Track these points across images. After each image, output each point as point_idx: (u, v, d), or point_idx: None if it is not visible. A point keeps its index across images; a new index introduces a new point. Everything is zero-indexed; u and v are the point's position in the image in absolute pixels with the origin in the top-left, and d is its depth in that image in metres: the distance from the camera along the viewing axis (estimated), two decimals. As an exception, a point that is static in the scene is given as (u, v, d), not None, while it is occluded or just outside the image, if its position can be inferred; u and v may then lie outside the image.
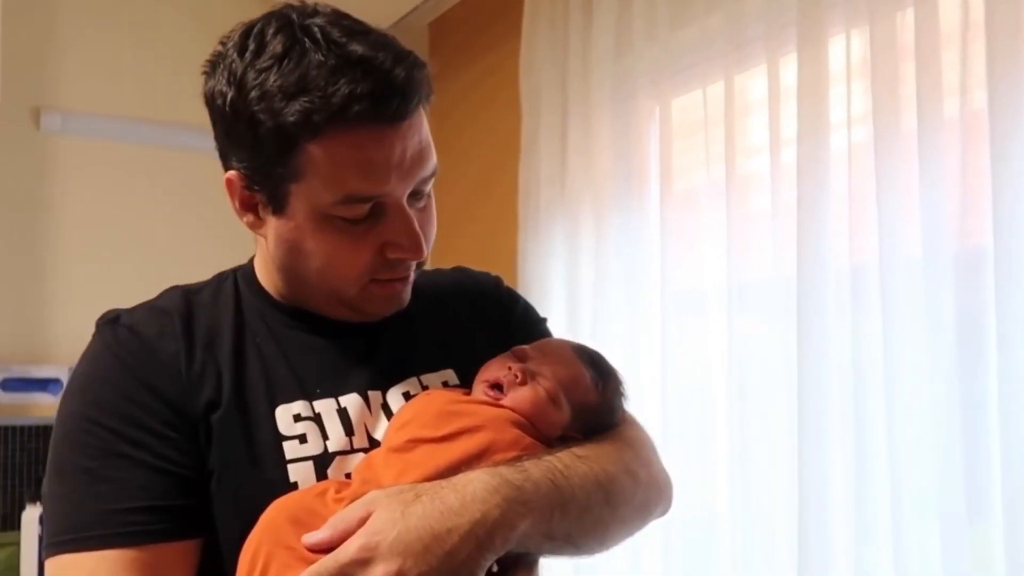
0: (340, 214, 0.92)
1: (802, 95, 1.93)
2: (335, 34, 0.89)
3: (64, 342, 2.91)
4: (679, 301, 2.27)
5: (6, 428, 2.77)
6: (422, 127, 0.94)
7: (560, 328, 2.45)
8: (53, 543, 0.89)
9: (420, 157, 0.94)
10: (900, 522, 1.72)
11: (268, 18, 0.92)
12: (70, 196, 3.00)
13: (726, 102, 2.12)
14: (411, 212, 0.95)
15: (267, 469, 0.93)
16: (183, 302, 1.02)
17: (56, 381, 2.83)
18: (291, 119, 0.87)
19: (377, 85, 0.87)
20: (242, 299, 1.05)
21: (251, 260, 1.09)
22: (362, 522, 0.81)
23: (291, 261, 0.98)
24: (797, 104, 1.94)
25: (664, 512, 1.07)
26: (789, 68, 1.99)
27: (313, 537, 0.82)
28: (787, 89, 1.99)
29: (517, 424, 0.96)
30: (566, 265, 2.55)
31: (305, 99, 0.86)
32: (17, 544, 2.53)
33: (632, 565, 2.31)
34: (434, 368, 1.05)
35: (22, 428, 2.82)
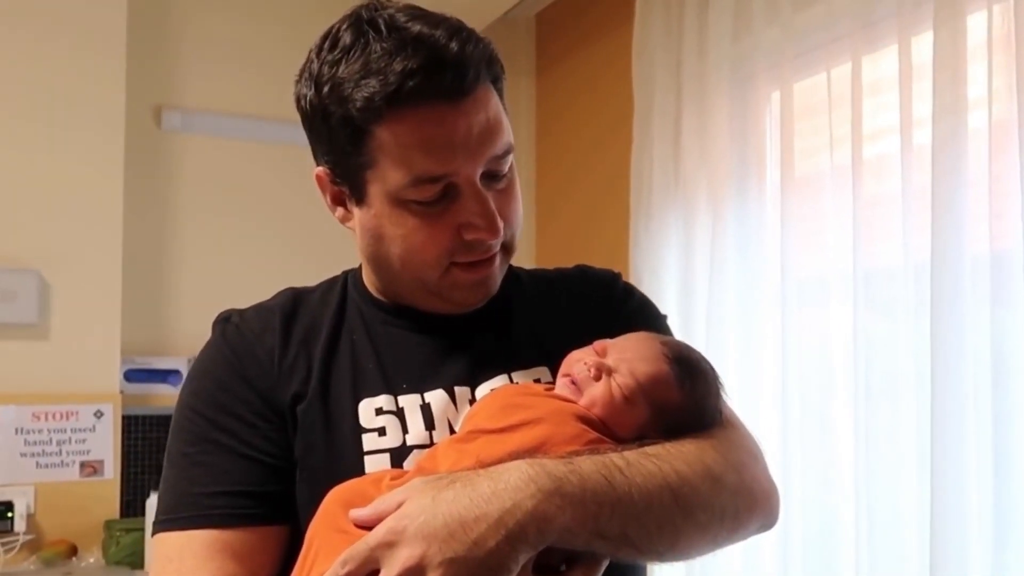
0: (412, 197, 0.93)
1: (938, 72, 1.83)
2: (400, 20, 0.91)
3: (184, 335, 2.99)
4: (800, 292, 2.18)
5: (129, 418, 2.86)
6: (488, 104, 0.94)
7: (673, 322, 2.38)
8: (156, 522, 0.95)
9: (488, 134, 0.93)
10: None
11: (344, 18, 0.95)
12: (191, 193, 3.09)
13: (852, 83, 2.03)
14: (486, 192, 0.95)
15: (345, 460, 0.94)
16: (291, 301, 1.06)
17: (176, 372, 2.91)
18: (357, 106, 0.90)
19: (429, 60, 0.89)
20: (347, 298, 1.07)
21: (361, 263, 1.11)
22: (400, 506, 0.80)
23: (376, 250, 1.00)
24: (932, 82, 1.84)
25: (766, 525, 0.98)
26: (923, 46, 1.89)
27: (357, 513, 0.83)
28: (920, 67, 1.89)
29: (583, 419, 0.92)
30: (680, 255, 2.50)
31: (367, 84, 0.89)
32: (142, 529, 2.61)
33: (749, 573, 2.23)
34: (528, 365, 1.02)
35: (144, 418, 2.92)
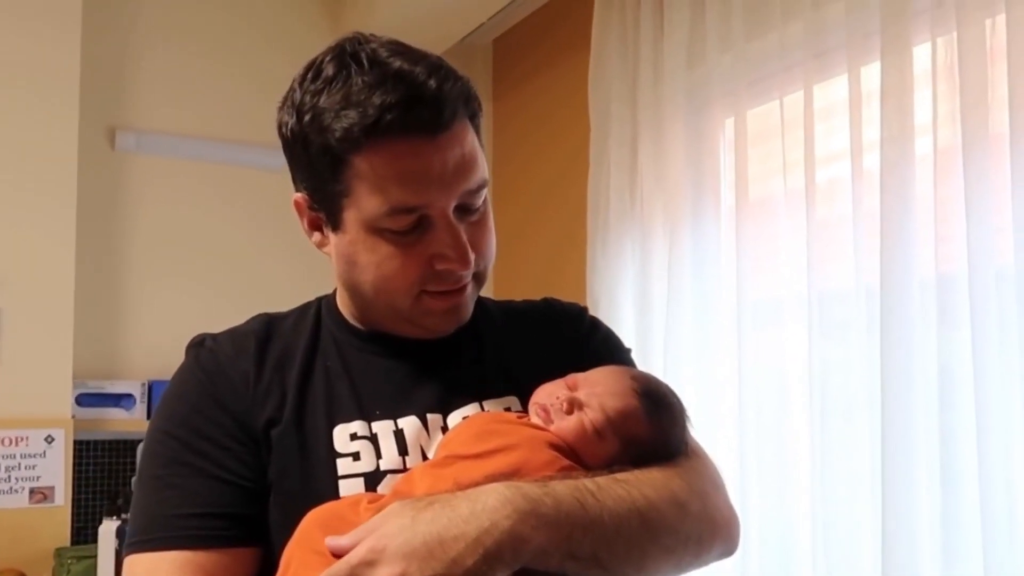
0: (387, 226, 0.96)
1: (885, 100, 1.89)
2: (382, 55, 0.95)
3: (138, 358, 2.95)
4: (755, 315, 2.22)
5: (81, 443, 2.81)
6: (464, 140, 0.97)
7: (630, 344, 2.38)
8: (128, 543, 0.97)
9: (463, 169, 0.96)
10: (990, 542, 1.65)
11: (329, 50, 0.99)
12: (144, 215, 3.06)
13: (804, 108, 2.08)
14: (458, 224, 0.98)
15: (319, 484, 0.96)
16: (264, 327, 1.08)
17: (129, 396, 2.86)
18: (336, 135, 0.93)
19: (407, 95, 0.92)
20: (321, 324, 1.10)
21: (336, 289, 1.14)
22: (376, 528, 0.83)
23: (350, 277, 1.03)
24: (880, 109, 1.89)
25: (727, 552, 1.02)
26: (871, 75, 1.94)
27: (334, 541, 0.84)
28: (869, 94, 1.95)
29: (555, 447, 0.95)
30: (636, 280, 2.52)
31: (347, 115, 0.92)
32: (94, 557, 2.56)
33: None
34: (498, 395, 1.05)
35: (97, 442, 2.87)
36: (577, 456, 0.96)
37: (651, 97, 2.50)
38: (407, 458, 0.98)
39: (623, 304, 2.55)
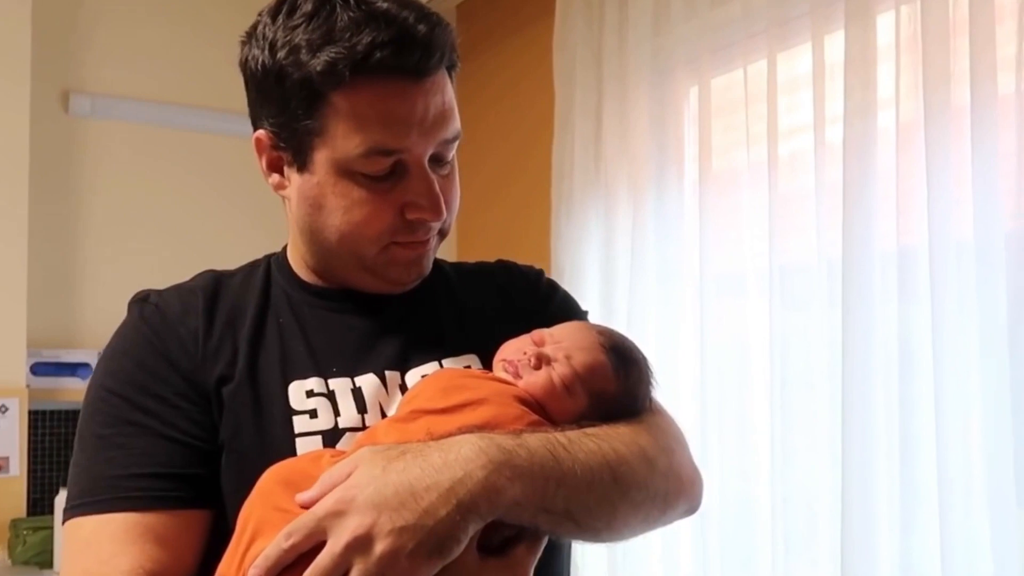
0: (362, 169, 0.94)
1: (849, 72, 1.87)
2: None
3: (93, 326, 2.90)
4: (718, 286, 2.22)
5: (36, 413, 2.77)
6: (445, 88, 0.96)
7: (594, 314, 2.39)
8: (68, 507, 0.92)
9: (442, 117, 0.96)
10: (947, 511, 1.67)
11: None
12: (99, 180, 2.99)
13: (768, 80, 2.06)
14: (432, 175, 0.97)
15: (276, 442, 0.93)
16: (212, 283, 1.05)
17: (86, 366, 2.82)
18: (317, 69, 0.90)
19: (399, 36, 0.90)
20: (271, 280, 1.07)
21: (285, 246, 1.11)
22: (348, 476, 0.80)
23: (313, 220, 0.99)
24: (844, 81, 1.88)
25: (691, 509, 1.02)
26: (835, 45, 1.93)
27: (305, 495, 0.81)
28: (833, 66, 1.94)
29: (523, 401, 0.94)
30: (600, 248, 2.51)
31: (331, 50, 0.90)
32: (50, 528, 2.53)
33: (668, 559, 2.27)
34: (457, 352, 1.04)
35: (52, 412, 2.82)
36: (544, 412, 0.95)
37: (616, 64, 2.47)
38: (366, 416, 0.96)
39: (587, 272, 2.54)
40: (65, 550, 0.92)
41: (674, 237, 2.34)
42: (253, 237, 3.18)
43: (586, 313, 1.17)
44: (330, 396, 0.97)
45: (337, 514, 0.77)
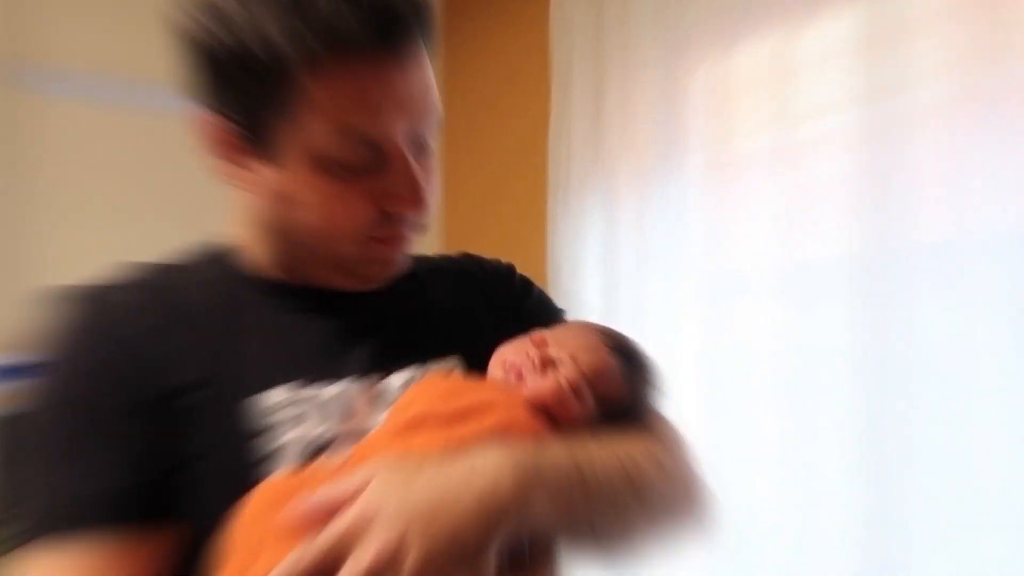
0: (338, 158, 0.86)
1: (871, 50, 1.78)
2: None
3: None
4: (725, 282, 2.13)
5: None
6: (426, 69, 0.89)
7: (594, 313, 2.33)
8: (25, 531, 0.84)
9: (423, 99, 0.89)
10: (971, 519, 1.62)
11: None
12: (46, 160, 2.88)
13: (782, 60, 1.97)
14: (414, 163, 0.90)
15: (251, 453, 0.87)
16: (158, 278, 0.96)
17: (13, 369, 2.68)
18: (287, 48, 0.81)
19: (376, 11, 0.82)
20: (228, 275, 0.98)
21: (230, 234, 1.02)
22: (359, 492, 0.77)
23: (284, 217, 0.92)
24: (865, 60, 1.79)
25: (700, 521, 0.99)
26: (856, 21, 1.83)
27: (303, 507, 0.76)
28: (854, 44, 1.83)
29: (528, 407, 0.92)
30: (601, 243, 2.41)
31: (303, 27, 0.81)
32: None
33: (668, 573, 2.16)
34: (438, 354, 1.00)
35: None
36: (549, 416, 0.92)
37: (618, 41, 2.37)
38: (348, 424, 0.91)
39: (587, 270, 2.45)
40: None
41: (679, 230, 2.25)
42: (204, 219, 3.01)
43: (561, 311, 1.14)
44: (308, 402, 0.91)
45: (360, 529, 0.74)
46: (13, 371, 2.62)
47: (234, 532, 0.80)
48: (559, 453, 0.83)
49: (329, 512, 0.76)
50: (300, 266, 0.97)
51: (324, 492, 0.77)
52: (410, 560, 0.72)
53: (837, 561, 1.84)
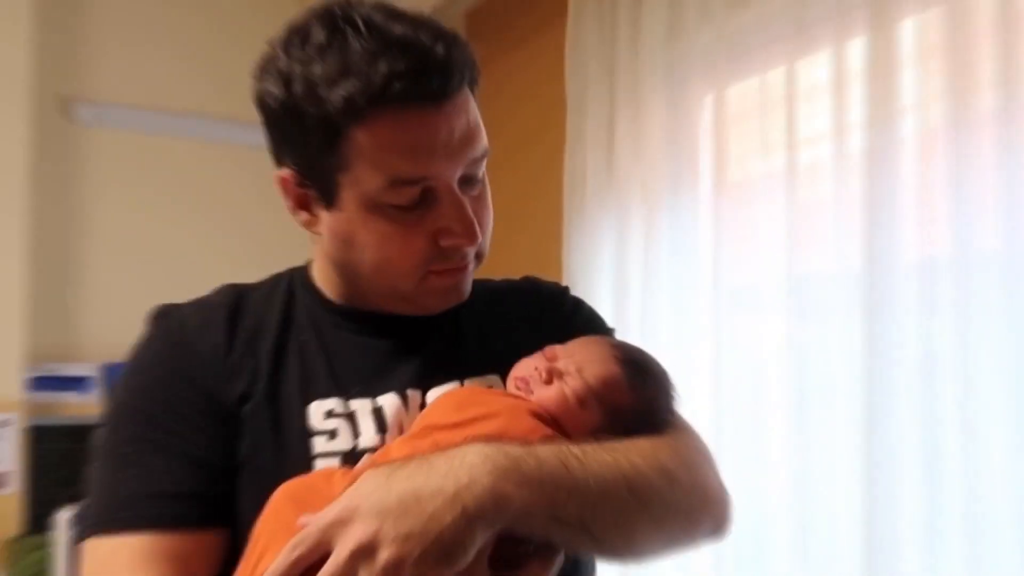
0: (389, 201, 0.91)
1: (870, 79, 1.82)
2: (377, 19, 0.90)
3: (96, 340, 2.86)
4: (734, 299, 2.16)
5: (38, 428, 2.71)
6: (468, 107, 0.95)
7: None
8: (84, 526, 0.91)
9: (468, 138, 0.94)
10: (976, 533, 1.62)
11: (312, 14, 0.93)
12: (102, 190, 2.96)
13: (786, 87, 2.02)
14: (463, 198, 0.94)
15: (293, 462, 0.92)
16: (234, 298, 1.03)
17: (87, 380, 2.77)
18: (335, 106, 0.88)
19: (416, 63, 0.88)
20: (294, 298, 1.05)
21: (308, 261, 1.09)
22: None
23: (346, 256, 0.98)
24: (865, 88, 1.83)
25: (718, 529, 0.98)
26: (856, 52, 1.88)
27: (308, 518, 0.80)
28: (854, 72, 1.88)
29: (537, 416, 0.93)
30: (613, 261, 2.46)
31: (347, 84, 0.87)
32: (48, 547, 2.47)
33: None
34: (479, 372, 1.02)
35: (53, 428, 2.77)
36: (560, 427, 0.93)
37: (629, 72, 2.42)
38: (386, 436, 0.95)
39: (599, 286, 2.49)
40: (83, 570, 0.90)
41: (689, 248, 2.29)
42: (256, 247, 3.16)
43: (612, 331, 1.14)
44: (350, 417, 0.96)
45: (341, 523, 0.76)
46: (80, 382, 2.72)
47: (255, 528, 0.86)
48: (547, 454, 0.83)
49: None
50: (367, 297, 1.02)
51: (334, 503, 0.80)
52: (383, 554, 0.74)
53: (839, 561, 1.86)
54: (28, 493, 2.66)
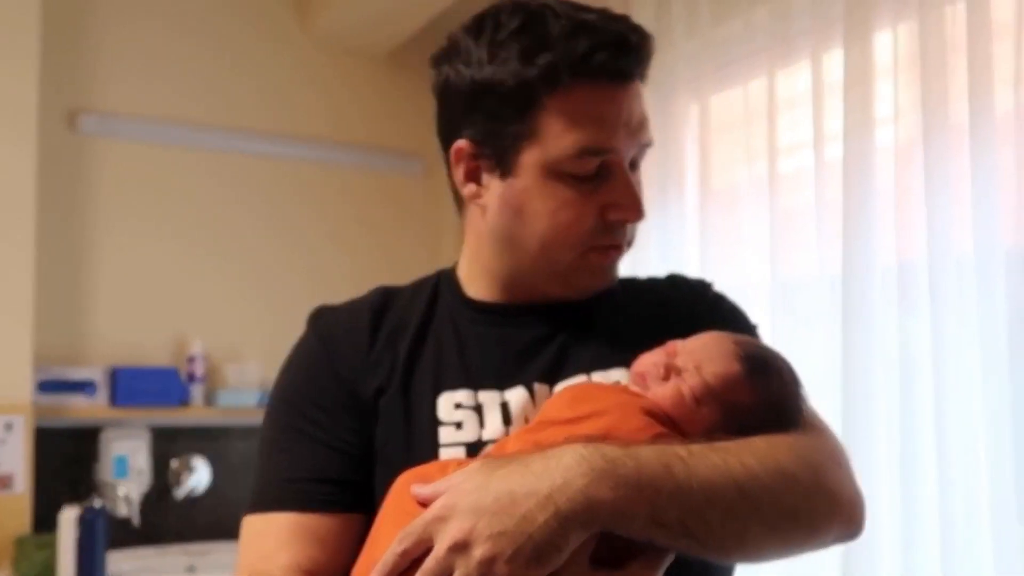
0: (571, 170, 0.97)
1: (848, 90, 1.90)
2: (569, 10, 0.97)
3: (100, 344, 2.92)
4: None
5: (43, 430, 2.77)
6: (642, 98, 1.01)
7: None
8: (247, 506, 1.01)
9: (642, 123, 1.00)
10: (949, 526, 1.68)
11: (499, 7, 1.00)
12: (107, 199, 3.01)
13: (768, 98, 2.08)
14: (632, 176, 1.00)
15: (421, 451, 0.97)
16: (381, 298, 1.10)
17: (92, 383, 2.83)
18: (535, 73, 0.94)
19: (615, 41, 0.95)
20: (438, 295, 1.10)
21: (455, 263, 1.14)
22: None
23: (512, 227, 1.01)
24: (843, 99, 1.90)
25: (848, 534, 0.93)
26: (834, 63, 1.95)
27: (418, 489, 0.85)
28: (832, 84, 1.96)
29: (650, 413, 0.91)
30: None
31: (548, 55, 0.94)
32: (55, 547, 2.53)
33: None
34: (608, 366, 1.02)
35: (58, 430, 2.83)
36: (675, 425, 0.92)
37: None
38: (511, 428, 0.98)
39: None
40: (240, 542, 1.00)
41: (675, 254, 2.36)
42: (262, 253, 3.23)
43: (755, 327, 1.11)
44: (477, 409, 1.00)
45: (441, 519, 0.80)
46: (86, 385, 2.75)
47: (380, 512, 0.91)
48: (648, 455, 0.82)
49: (432, 499, 0.82)
50: (521, 278, 1.05)
51: (436, 483, 0.84)
52: (477, 551, 0.76)
53: (820, 558, 1.94)
54: (34, 493, 2.72)
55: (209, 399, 2.99)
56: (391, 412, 1.00)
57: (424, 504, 0.83)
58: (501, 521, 0.77)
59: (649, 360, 0.96)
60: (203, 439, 3.01)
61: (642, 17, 2.38)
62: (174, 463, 2.96)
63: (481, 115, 0.99)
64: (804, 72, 2.02)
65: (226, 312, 3.08)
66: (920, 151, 1.77)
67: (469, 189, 1.03)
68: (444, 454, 0.96)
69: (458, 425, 0.98)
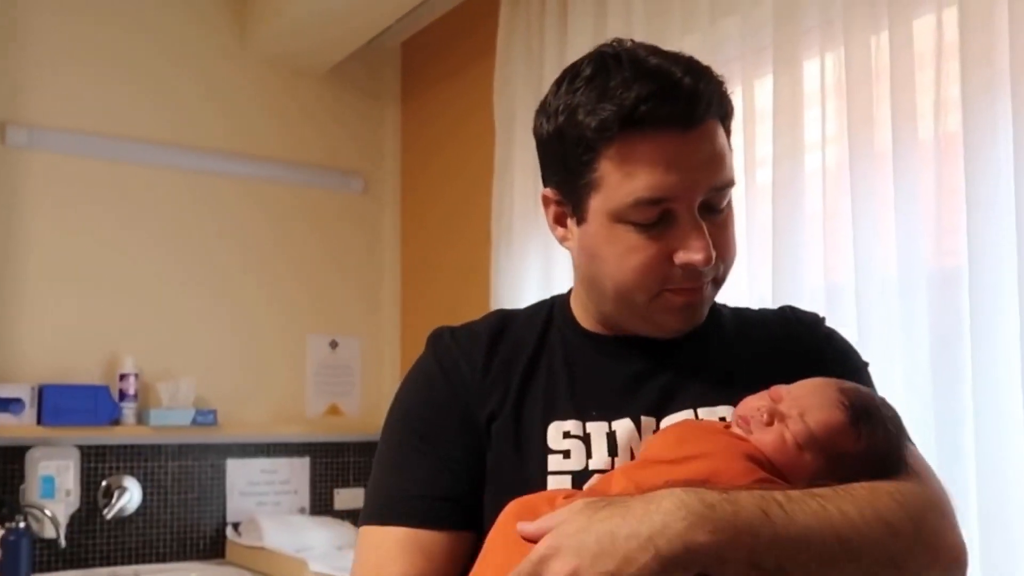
0: (631, 218, 0.99)
1: (777, 116, 1.95)
2: (639, 54, 0.99)
3: (28, 361, 2.84)
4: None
5: (-34, 449, 2.70)
6: (715, 137, 1.00)
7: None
8: (361, 516, 1.06)
9: (710, 165, 0.99)
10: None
11: (588, 55, 1.03)
12: (36, 213, 2.95)
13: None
14: (702, 221, 0.99)
15: (529, 478, 1.00)
16: (499, 323, 1.13)
17: (18, 401, 2.75)
18: (591, 126, 0.97)
19: (664, 89, 0.96)
20: (552, 322, 1.13)
21: (570, 290, 1.16)
22: (559, 525, 0.86)
23: (590, 270, 1.05)
24: (772, 125, 1.96)
25: None
26: (764, 90, 2.01)
27: (524, 526, 0.88)
28: (762, 111, 2.01)
29: (753, 459, 0.92)
30: (540, 283, 2.54)
31: (603, 107, 0.97)
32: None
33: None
34: (714, 402, 1.04)
35: (-17, 449, 2.75)
36: (777, 470, 0.93)
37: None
38: (616, 459, 1.00)
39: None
40: (356, 552, 1.05)
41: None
42: (188, 269, 3.18)
43: (866, 365, 1.12)
44: (585, 438, 1.02)
45: (546, 559, 0.83)
46: (11, 403, 2.67)
47: (487, 539, 0.95)
48: (747, 501, 0.83)
49: (540, 535, 0.86)
50: (610, 316, 1.07)
51: (540, 520, 0.87)
52: None
53: None
54: (-43, 515, 2.64)
55: (141, 418, 2.94)
56: (502, 438, 1.03)
57: (529, 540, 0.86)
58: (603, 562, 0.80)
59: (753, 404, 0.97)
60: (134, 459, 2.95)
61: (579, 40, 2.43)
62: (104, 483, 2.90)
63: (557, 164, 1.04)
64: (735, 99, 2.05)
65: (159, 329, 3.02)
66: (847, 176, 1.83)
67: (558, 232, 1.09)
68: (551, 481, 1.00)
69: (566, 454, 1.01)
